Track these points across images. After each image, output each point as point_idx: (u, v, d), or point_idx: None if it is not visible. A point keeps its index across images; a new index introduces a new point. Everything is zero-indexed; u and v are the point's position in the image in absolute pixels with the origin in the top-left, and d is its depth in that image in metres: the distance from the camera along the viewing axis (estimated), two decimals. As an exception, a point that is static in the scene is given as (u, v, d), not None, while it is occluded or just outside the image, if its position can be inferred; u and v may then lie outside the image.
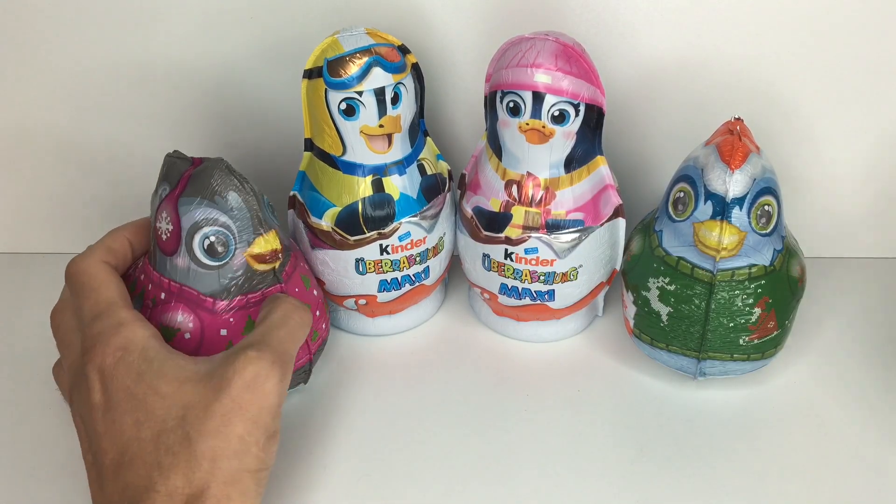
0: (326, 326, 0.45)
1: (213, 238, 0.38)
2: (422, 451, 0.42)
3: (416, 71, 0.43)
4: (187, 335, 0.39)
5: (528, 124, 0.41)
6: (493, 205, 0.44)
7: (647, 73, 0.48)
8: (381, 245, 0.44)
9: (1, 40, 0.49)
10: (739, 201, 0.39)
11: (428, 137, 0.46)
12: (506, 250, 0.44)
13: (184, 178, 0.39)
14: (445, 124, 0.51)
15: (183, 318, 0.39)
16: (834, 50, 0.47)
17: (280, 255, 0.40)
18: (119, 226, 0.41)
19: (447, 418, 0.44)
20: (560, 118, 0.41)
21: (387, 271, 0.45)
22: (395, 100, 0.41)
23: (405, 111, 0.42)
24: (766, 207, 0.40)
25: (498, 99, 0.42)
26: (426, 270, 0.46)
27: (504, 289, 0.45)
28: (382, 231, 0.44)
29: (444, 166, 0.47)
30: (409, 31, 0.47)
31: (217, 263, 0.39)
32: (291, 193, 0.45)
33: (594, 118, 0.41)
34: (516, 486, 0.40)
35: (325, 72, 0.41)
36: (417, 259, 0.46)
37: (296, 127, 0.45)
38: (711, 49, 0.48)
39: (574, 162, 0.42)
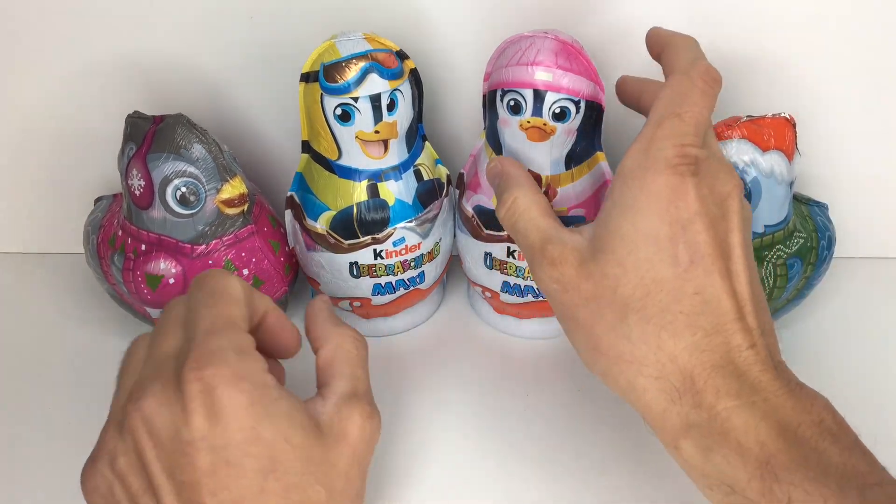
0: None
1: (184, 189, 0.42)
2: (421, 451, 0.42)
3: (415, 76, 0.43)
4: (171, 280, 0.43)
5: (529, 122, 0.41)
6: (494, 203, 0.43)
7: (647, 74, 0.48)
8: (374, 250, 0.44)
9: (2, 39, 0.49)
10: None
11: (426, 142, 0.46)
12: (508, 248, 0.44)
13: (148, 135, 0.42)
14: (445, 127, 0.51)
15: (166, 266, 0.43)
16: (834, 50, 0.47)
17: (247, 198, 0.43)
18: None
19: (447, 418, 0.44)
20: (561, 115, 0.40)
21: (381, 275, 0.45)
22: (392, 106, 0.41)
23: (401, 117, 0.42)
24: None
25: (498, 97, 0.42)
26: (421, 275, 0.46)
27: (506, 287, 0.45)
28: (376, 236, 0.44)
29: (442, 171, 0.46)
30: (408, 34, 0.47)
31: (191, 212, 0.42)
32: (289, 194, 0.45)
33: (594, 115, 0.41)
34: (516, 486, 0.40)
35: (322, 77, 0.40)
36: (412, 264, 0.45)
37: (294, 128, 0.45)
38: (712, 49, 0.47)
39: (574, 158, 0.42)
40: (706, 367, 0.30)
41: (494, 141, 0.43)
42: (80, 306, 0.52)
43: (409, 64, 0.42)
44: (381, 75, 0.40)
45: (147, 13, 0.47)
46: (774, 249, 0.43)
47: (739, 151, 0.41)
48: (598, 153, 0.43)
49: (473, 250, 0.45)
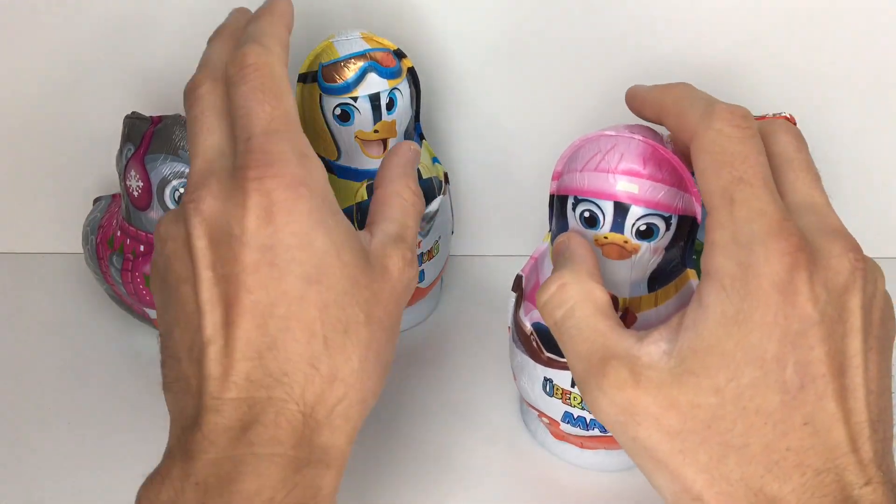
0: None
1: (182, 189, 0.42)
2: (421, 451, 0.42)
3: (412, 75, 0.42)
4: None
5: (606, 238, 0.34)
6: None
7: (650, 75, 0.48)
8: None
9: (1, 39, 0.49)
10: None
11: (424, 141, 0.45)
12: (573, 378, 0.36)
13: (146, 136, 0.42)
14: (441, 125, 0.51)
15: None
16: (834, 49, 0.47)
17: None
18: (265, 16, 0.33)
19: (443, 417, 0.43)
20: (647, 233, 0.33)
21: None
22: (391, 105, 0.41)
23: (400, 116, 0.42)
24: None
25: (570, 205, 0.34)
26: (420, 274, 0.46)
27: (568, 417, 0.38)
28: None
29: (440, 169, 0.46)
30: (404, 32, 0.47)
31: None
32: None
33: (686, 230, 0.34)
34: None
35: (320, 77, 0.40)
36: None
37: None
38: (712, 49, 0.47)
39: (660, 280, 0.35)
40: None
41: None
42: (79, 306, 0.52)
43: (407, 63, 0.42)
44: (380, 74, 0.40)
45: (146, 13, 0.47)
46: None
47: None
48: (688, 270, 0.36)
49: (531, 372, 0.38)
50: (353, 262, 0.29)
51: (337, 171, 0.43)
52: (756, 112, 0.40)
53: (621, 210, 0.33)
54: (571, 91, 0.49)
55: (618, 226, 0.33)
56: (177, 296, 0.29)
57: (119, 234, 0.45)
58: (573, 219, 0.35)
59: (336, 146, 0.42)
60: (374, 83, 0.40)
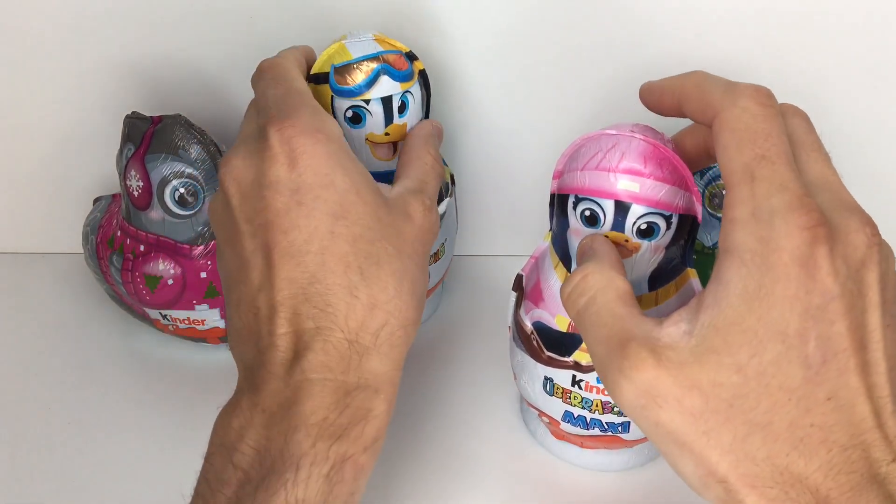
0: None
1: (182, 190, 0.42)
2: (421, 450, 0.42)
3: (423, 78, 0.42)
4: (170, 281, 0.43)
5: (607, 237, 0.34)
6: (559, 323, 0.36)
7: (650, 75, 0.48)
8: None
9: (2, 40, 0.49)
10: (700, 170, 0.42)
11: None
12: (573, 377, 0.36)
13: (146, 136, 0.42)
14: (446, 125, 0.51)
15: (164, 266, 0.43)
16: (834, 49, 0.47)
17: None
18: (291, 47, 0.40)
19: (444, 416, 0.44)
20: (648, 232, 0.33)
21: None
22: (402, 108, 0.41)
23: (411, 119, 0.41)
24: (725, 192, 0.40)
25: (570, 204, 0.34)
26: None
27: (568, 416, 0.38)
28: None
29: (446, 171, 0.45)
30: (412, 33, 0.47)
31: (189, 213, 0.43)
32: None
33: (687, 229, 0.34)
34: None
35: (332, 78, 0.40)
36: None
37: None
38: (712, 49, 0.47)
39: (661, 278, 0.35)
40: (844, 491, 0.25)
41: (562, 249, 0.36)
42: (79, 306, 0.52)
43: (419, 65, 0.42)
44: (393, 77, 0.40)
45: (146, 13, 0.47)
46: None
47: None
48: (689, 269, 0.36)
49: (531, 371, 0.38)
50: (375, 200, 0.32)
51: None
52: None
53: (622, 209, 0.33)
54: (573, 91, 0.49)
55: (618, 224, 0.33)
56: (229, 256, 0.32)
57: (119, 233, 0.44)
58: (574, 218, 0.34)
59: None
60: (387, 86, 0.40)
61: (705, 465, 0.26)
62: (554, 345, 0.36)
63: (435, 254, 0.45)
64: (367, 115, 0.40)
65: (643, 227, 0.33)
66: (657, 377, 0.26)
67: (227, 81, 0.49)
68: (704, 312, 0.27)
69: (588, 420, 0.38)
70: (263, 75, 0.36)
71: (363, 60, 0.40)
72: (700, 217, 0.33)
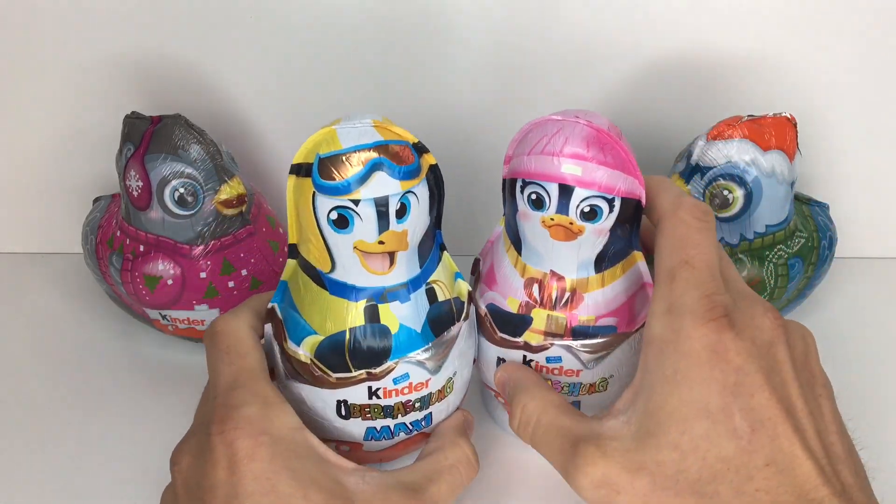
0: None
1: (182, 190, 0.42)
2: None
3: (434, 174, 0.34)
4: (170, 281, 0.43)
5: (552, 220, 0.35)
6: (511, 304, 0.37)
7: (651, 75, 0.48)
8: (370, 387, 0.35)
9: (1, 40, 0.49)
10: (701, 170, 0.42)
11: (445, 252, 0.37)
12: (524, 356, 0.37)
13: (146, 136, 0.42)
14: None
15: (164, 266, 0.43)
16: (834, 49, 0.47)
17: (245, 199, 0.43)
18: (259, 294, 0.37)
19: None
20: (591, 214, 0.34)
21: (376, 418, 0.36)
22: (402, 212, 0.33)
23: (414, 225, 0.33)
24: (725, 192, 0.42)
25: (518, 188, 0.35)
26: (427, 418, 0.37)
27: None
28: (373, 371, 0.34)
29: (463, 288, 0.37)
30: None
31: (189, 213, 0.43)
32: (270, 305, 0.35)
33: (630, 211, 0.35)
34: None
35: (315, 171, 0.32)
36: (416, 405, 0.36)
37: (294, 128, 0.45)
38: (713, 49, 0.47)
39: (606, 260, 0.36)
40: None
41: (513, 233, 0.37)
42: (79, 306, 0.52)
43: (429, 159, 0.34)
44: (392, 174, 0.32)
45: (146, 13, 0.47)
46: (776, 249, 0.43)
47: (740, 151, 0.41)
48: (635, 252, 0.36)
49: (487, 353, 0.39)
50: (324, 502, 0.29)
51: (329, 286, 0.34)
52: (756, 112, 0.41)
53: (566, 192, 0.34)
54: (574, 91, 0.49)
55: (563, 207, 0.34)
56: None
57: (119, 234, 0.45)
58: (522, 201, 0.35)
59: (330, 256, 0.34)
60: (383, 184, 0.32)
61: None
62: (506, 325, 0.37)
63: (440, 391, 0.36)
64: (356, 219, 0.32)
65: (586, 209, 0.34)
66: (607, 466, 0.28)
67: (227, 81, 0.50)
68: (637, 400, 0.29)
69: None
70: (215, 343, 0.33)
71: (355, 151, 0.32)
72: (644, 200, 0.34)
